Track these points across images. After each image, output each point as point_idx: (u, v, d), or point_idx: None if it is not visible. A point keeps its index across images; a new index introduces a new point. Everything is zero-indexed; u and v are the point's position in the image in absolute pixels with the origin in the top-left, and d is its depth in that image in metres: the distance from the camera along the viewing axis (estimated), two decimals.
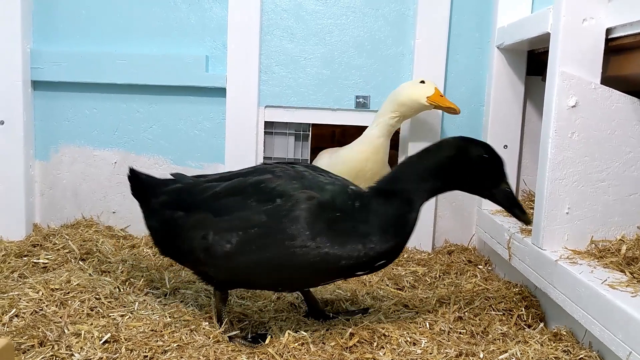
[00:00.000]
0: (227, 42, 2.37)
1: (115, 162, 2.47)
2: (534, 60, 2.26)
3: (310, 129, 2.48)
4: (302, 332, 1.50)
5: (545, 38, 1.79)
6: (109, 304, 1.68)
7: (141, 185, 1.64)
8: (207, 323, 1.57)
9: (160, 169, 2.47)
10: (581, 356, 1.42)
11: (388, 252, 1.41)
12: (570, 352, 1.44)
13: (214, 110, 2.44)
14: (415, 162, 1.45)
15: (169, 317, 1.61)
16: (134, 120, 2.45)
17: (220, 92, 2.40)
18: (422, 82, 2.14)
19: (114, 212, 2.50)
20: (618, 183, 1.67)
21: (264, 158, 2.46)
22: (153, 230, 1.59)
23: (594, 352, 1.42)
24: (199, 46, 2.41)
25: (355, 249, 1.37)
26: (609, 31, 1.64)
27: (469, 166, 1.42)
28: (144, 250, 2.22)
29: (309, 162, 2.48)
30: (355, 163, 2.18)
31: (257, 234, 1.37)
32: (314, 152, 2.50)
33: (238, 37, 2.37)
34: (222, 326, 1.51)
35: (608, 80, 1.68)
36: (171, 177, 1.63)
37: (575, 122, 1.64)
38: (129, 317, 1.60)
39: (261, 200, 1.39)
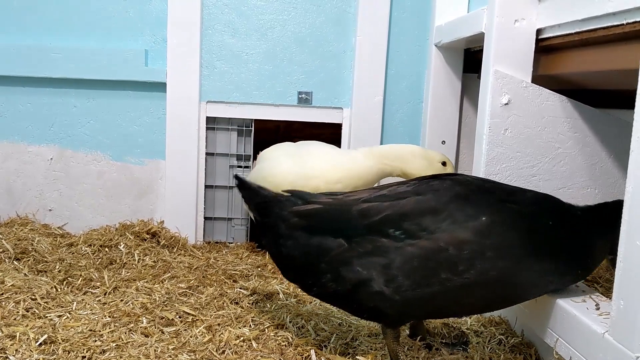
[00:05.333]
0: (167, 36, 2.33)
1: (51, 159, 2.40)
2: (470, 58, 2.32)
3: (253, 124, 2.48)
4: (244, 329, 1.50)
5: (480, 37, 1.85)
6: (45, 304, 1.63)
7: (258, 199, 1.41)
8: (146, 321, 1.55)
9: (99, 166, 2.42)
10: (513, 343, 1.48)
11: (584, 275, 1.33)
12: (503, 341, 1.50)
13: (154, 105, 2.40)
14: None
15: (108, 316, 1.58)
16: (70, 116, 2.39)
17: (161, 87, 2.36)
18: (444, 164, 1.98)
19: (50, 210, 2.43)
20: (548, 177, 1.75)
21: (206, 154, 2.45)
22: (289, 259, 1.35)
23: (526, 339, 1.49)
24: (138, 40, 2.37)
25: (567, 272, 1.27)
26: (539, 32, 1.70)
27: None
28: (83, 249, 2.17)
29: (251, 157, 2.48)
30: (330, 185, 1.93)
31: (462, 255, 1.20)
32: (257, 147, 2.50)
33: (178, 31, 2.34)
34: None
35: (538, 78, 1.75)
36: (289, 194, 1.40)
37: (508, 119, 1.71)
38: (67, 318, 1.56)
39: (461, 218, 1.22)
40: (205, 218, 2.48)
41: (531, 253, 1.23)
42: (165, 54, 2.35)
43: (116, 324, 1.53)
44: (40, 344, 1.39)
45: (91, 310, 1.63)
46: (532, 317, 1.40)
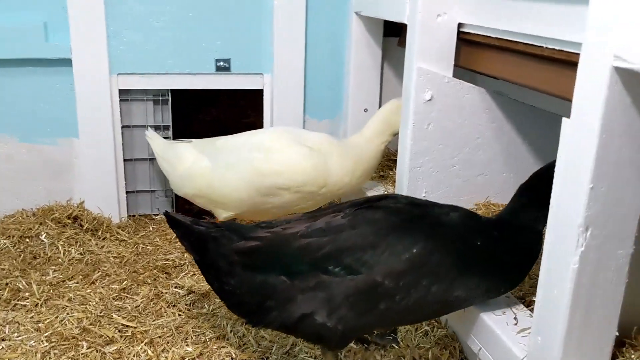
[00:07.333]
0: (68, 5, 2.13)
1: None
2: (390, 24, 2.29)
3: (170, 94, 2.38)
4: (187, 348, 1.55)
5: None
6: None
7: (192, 236, 1.40)
8: (86, 345, 1.56)
9: (5, 148, 2.27)
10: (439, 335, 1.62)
11: (513, 286, 1.43)
12: (429, 333, 1.63)
13: (60, 81, 2.24)
14: (529, 190, 1.39)
15: (46, 341, 1.57)
16: None
17: (66, 62, 2.19)
18: None
19: None
20: (468, 166, 1.83)
21: (122, 127, 2.34)
22: (234, 297, 1.36)
23: (450, 331, 1.63)
24: (35, 12, 2.15)
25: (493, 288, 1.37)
26: (460, 25, 1.71)
27: None
28: (1, 242, 2.09)
29: (170, 127, 2.40)
30: (354, 181, 2.00)
31: (399, 286, 1.28)
32: (175, 116, 2.42)
33: (80, 0, 2.14)
34: None
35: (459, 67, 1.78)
36: (220, 226, 1.40)
37: (431, 114, 1.74)
38: (2, 348, 1.54)
39: (398, 250, 1.28)
40: (127, 192, 2.43)
41: (462, 273, 1.32)
42: (68, 25, 2.16)
43: (55, 352, 1.53)
44: None
45: (25, 333, 1.60)
46: (456, 318, 1.52)
